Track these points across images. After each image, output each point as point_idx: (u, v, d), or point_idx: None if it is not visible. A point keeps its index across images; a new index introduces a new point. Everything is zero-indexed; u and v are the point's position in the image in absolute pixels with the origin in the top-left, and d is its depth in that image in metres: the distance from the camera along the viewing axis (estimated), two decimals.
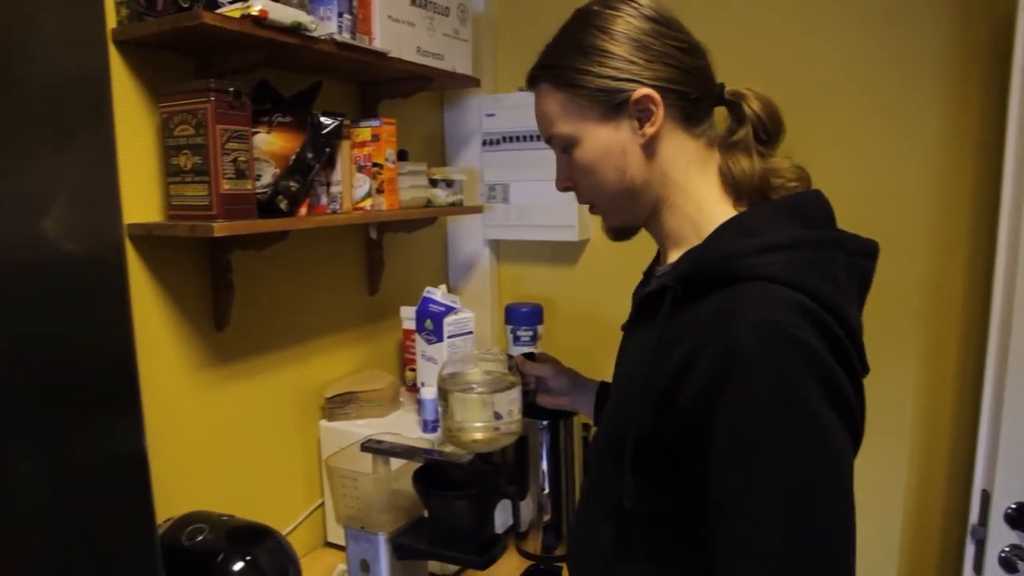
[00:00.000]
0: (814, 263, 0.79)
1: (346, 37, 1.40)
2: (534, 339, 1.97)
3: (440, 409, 1.32)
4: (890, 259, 1.63)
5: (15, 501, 0.73)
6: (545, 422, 1.68)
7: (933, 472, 1.70)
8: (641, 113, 0.90)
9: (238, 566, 1.16)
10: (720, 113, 0.97)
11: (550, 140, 0.99)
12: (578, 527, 1.02)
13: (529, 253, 2.17)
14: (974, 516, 1.46)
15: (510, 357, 1.39)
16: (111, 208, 0.80)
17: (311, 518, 1.75)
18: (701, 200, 0.93)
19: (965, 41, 1.55)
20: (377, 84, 1.80)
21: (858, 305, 0.86)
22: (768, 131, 0.94)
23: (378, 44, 1.51)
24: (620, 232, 1.04)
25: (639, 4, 0.91)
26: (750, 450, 0.73)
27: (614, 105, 0.91)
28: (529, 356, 1.40)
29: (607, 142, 0.93)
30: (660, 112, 0.89)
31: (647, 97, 0.89)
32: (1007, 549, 1.41)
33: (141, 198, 1.32)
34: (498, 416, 1.26)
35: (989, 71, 1.54)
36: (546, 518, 1.73)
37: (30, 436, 0.73)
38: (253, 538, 1.22)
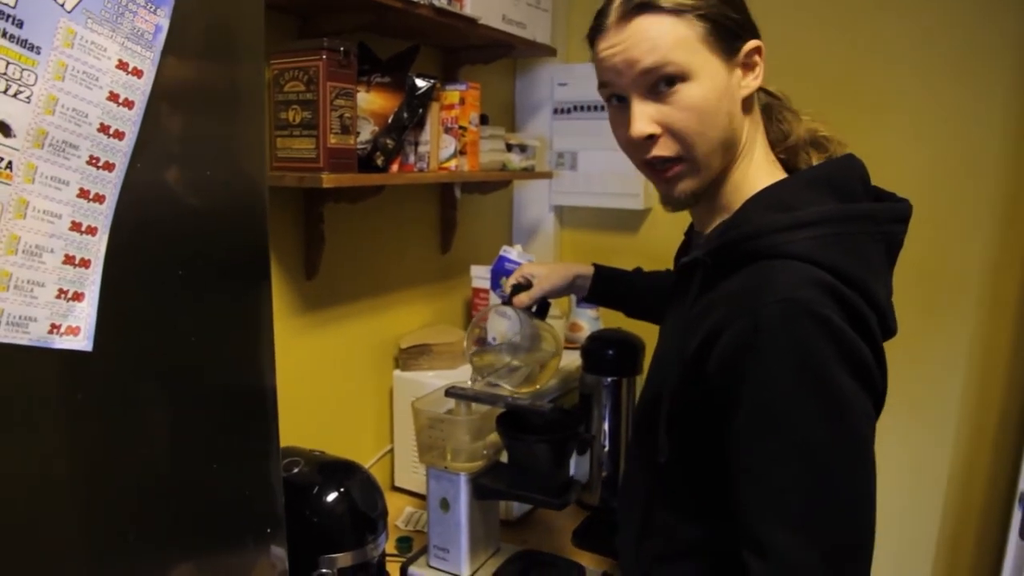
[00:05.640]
0: (840, 239, 0.81)
1: (443, 3, 1.46)
2: None
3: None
4: (949, 241, 1.69)
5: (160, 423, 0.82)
6: (609, 379, 1.74)
7: (980, 443, 1.75)
8: (747, 61, 0.88)
9: (332, 496, 1.25)
10: None
11: (649, 71, 0.84)
12: (624, 478, 1.07)
13: (592, 220, 2.23)
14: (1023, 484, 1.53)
15: (506, 303, 1.42)
16: (260, 158, 0.88)
17: (380, 462, 1.84)
18: (756, 164, 0.92)
19: None
20: (459, 50, 1.85)
21: (889, 268, 0.88)
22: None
23: (468, 11, 1.57)
24: (682, 202, 0.93)
25: None
26: (777, 421, 0.77)
27: (733, 49, 0.86)
28: (516, 288, 1.40)
29: (725, 84, 0.86)
30: (763, 66, 0.88)
31: (758, 49, 0.87)
32: None
33: None
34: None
35: None
36: (604, 474, 1.80)
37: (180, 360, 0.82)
38: (345, 472, 1.29)
